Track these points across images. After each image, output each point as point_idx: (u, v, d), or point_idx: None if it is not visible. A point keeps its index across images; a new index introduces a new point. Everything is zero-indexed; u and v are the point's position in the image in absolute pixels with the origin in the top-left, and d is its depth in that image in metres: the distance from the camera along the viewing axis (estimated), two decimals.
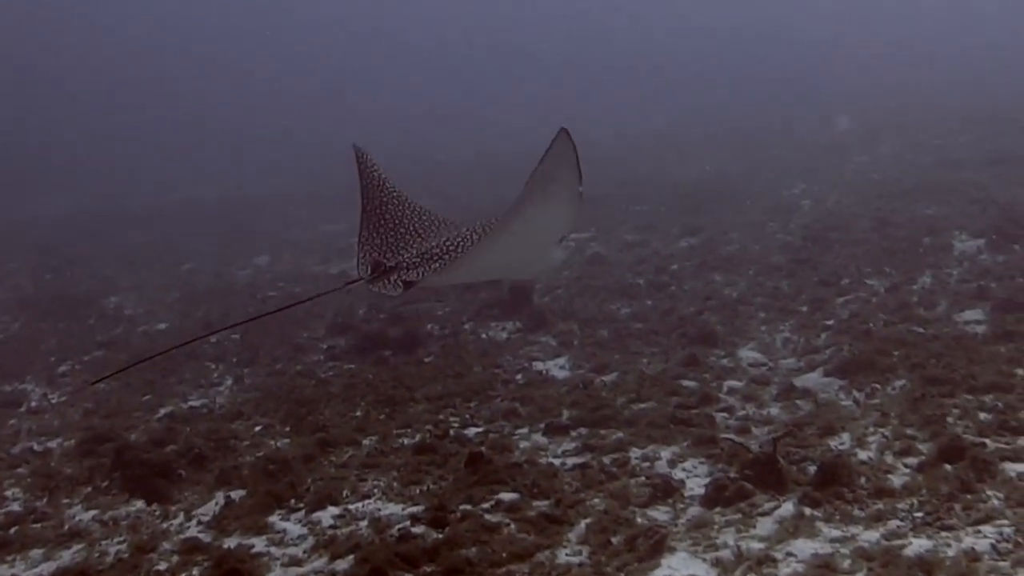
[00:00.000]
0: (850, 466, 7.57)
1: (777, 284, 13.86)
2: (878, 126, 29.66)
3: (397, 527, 7.65)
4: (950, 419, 8.39)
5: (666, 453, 8.57)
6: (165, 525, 8.31)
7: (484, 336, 13.23)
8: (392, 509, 8.04)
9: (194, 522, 8.30)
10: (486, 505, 7.85)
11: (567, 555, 6.92)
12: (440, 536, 7.39)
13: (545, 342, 12.62)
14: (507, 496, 7.94)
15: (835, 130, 24.34)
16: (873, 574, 6.10)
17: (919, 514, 6.85)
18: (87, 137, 48.82)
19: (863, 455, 7.95)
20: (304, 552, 7.51)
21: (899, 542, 6.47)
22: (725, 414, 9.41)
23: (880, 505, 7.07)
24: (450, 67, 68.07)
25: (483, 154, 36.63)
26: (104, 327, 16.57)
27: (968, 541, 6.37)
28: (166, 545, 7.87)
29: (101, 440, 10.41)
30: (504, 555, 6.96)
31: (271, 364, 13.04)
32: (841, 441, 8.31)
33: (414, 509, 7.95)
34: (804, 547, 6.58)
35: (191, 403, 11.80)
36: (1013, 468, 7.32)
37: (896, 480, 7.42)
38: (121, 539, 8.11)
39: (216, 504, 8.54)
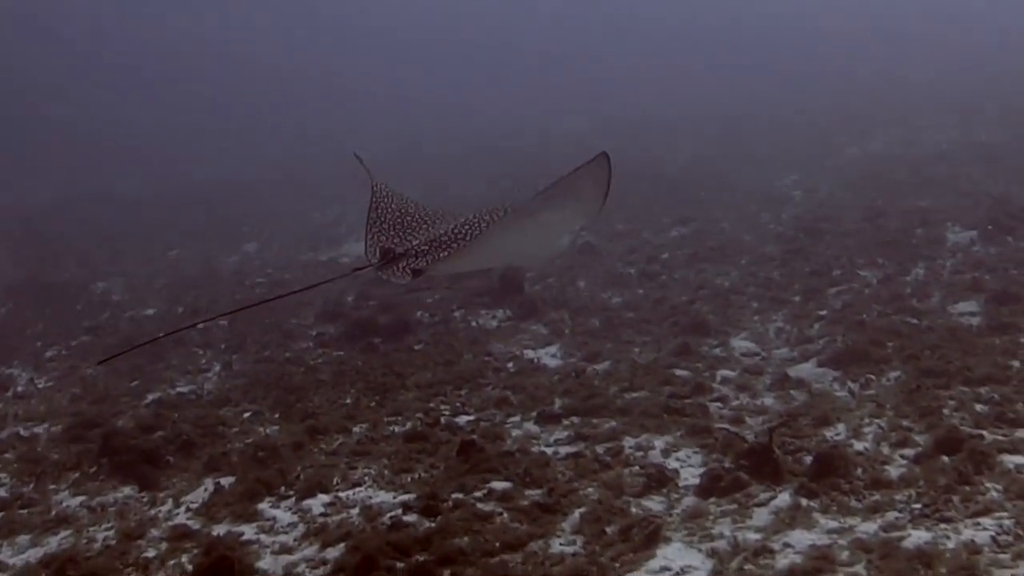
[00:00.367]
0: (846, 457, 7.51)
1: (769, 274, 13.78)
2: (869, 118, 29.57)
3: (388, 515, 7.58)
4: (946, 411, 8.32)
5: (660, 442, 8.49)
6: (153, 512, 8.23)
7: (474, 324, 13.14)
8: (383, 497, 7.96)
9: (183, 509, 8.22)
10: (478, 494, 7.78)
11: (561, 545, 6.86)
12: (432, 525, 7.32)
13: (536, 330, 12.53)
14: (499, 485, 7.87)
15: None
16: (872, 567, 6.03)
17: (917, 506, 6.79)
18: (78, 121, 48.46)
19: (859, 446, 7.88)
20: (294, 540, 7.43)
21: (898, 534, 6.40)
22: (719, 404, 9.33)
23: (877, 496, 7.00)
24: (438, 57, 67.73)
25: (471, 146, 36.51)
26: (91, 312, 16.47)
27: (968, 533, 6.31)
28: (154, 532, 7.79)
29: (88, 426, 10.32)
30: (497, 544, 6.89)
31: (259, 351, 12.94)
32: (837, 432, 8.24)
33: (405, 497, 7.87)
34: (801, 538, 6.52)
35: (179, 389, 11.71)
36: (1011, 460, 7.26)
37: (893, 471, 7.36)
38: (109, 525, 8.03)
39: (205, 491, 8.47)
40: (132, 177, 35.64)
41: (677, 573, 6.30)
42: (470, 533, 7.09)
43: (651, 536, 6.70)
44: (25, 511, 8.52)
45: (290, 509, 7.96)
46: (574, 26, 69.72)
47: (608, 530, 6.94)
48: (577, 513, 7.24)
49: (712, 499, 7.30)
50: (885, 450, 7.76)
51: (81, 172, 37.30)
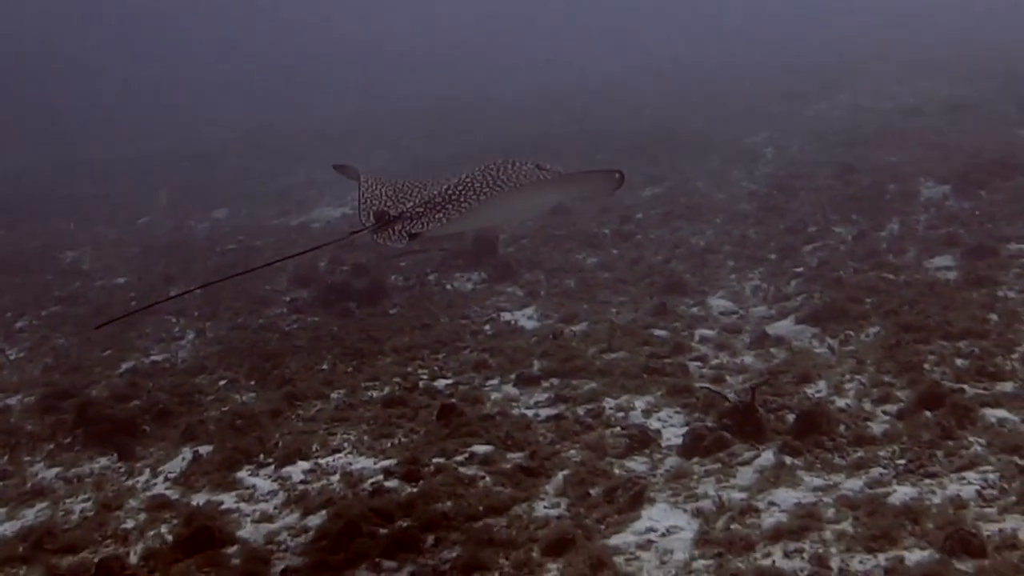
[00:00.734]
0: (829, 414, 7.49)
1: (744, 232, 13.74)
2: (835, 73, 29.56)
3: (370, 481, 7.52)
4: (927, 366, 8.31)
5: (640, 403, 8.45)
6: (131, 482, 8.13)
7: (449, 287, 13.05)
8: (364, 463, 7.90)
9: (161, 479, 8.12)
10: (460, 458, 7.73)
11: (545, 508, 6.81)
12: (414, 490, 7.26)
13: (511, 292, 12.45)
14: (481, 448, 7.82)
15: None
16: (859, 524, 6.00)
17: (901, 462, 6.78)
18: (40, 89, 47.92)
19: (841, 403, 7.86)
20: (275, 508, 7.35)
21: (883, 490, 6.39)
22: (698, 363, 9.29)
23: (861, 453, 6.99)
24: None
25: (443, 98, 36.37)
26: (61, 282, 16.28)
27: (953, 488, 6.30)
28: (132, 503, 7.70)
29: (62, 396, 10.19)
30: (480, 509, 6.83)
31: (233, 318, 12.82)
32: (818, 389, 8.22)
33: (386, 463, 7.81)
34: (786, 496, 6.50)
35: (153, 357, 11.58)
36: (993, 414, 7.26)
37: (876, 428, 7.35)
38: (86, 497, 7.93)
39: (183, 460, 8.36)
40: (95, 145, 35.29)
41: (663, 534, 6.26)
42: (453, 498, 7.03)
43: (636, 497, 6.67)
44: (0, 484, 8.40)
45: (270, 477, 7.88)
46: None
47: (592, 492, 6.90)
48: (560, 476, 7.20)
49: (695, 459, 7.27)
50: (867, 406, 7.75)
51: (44, 140, 36.90)
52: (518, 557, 6.17)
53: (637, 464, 7.33)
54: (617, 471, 7.19)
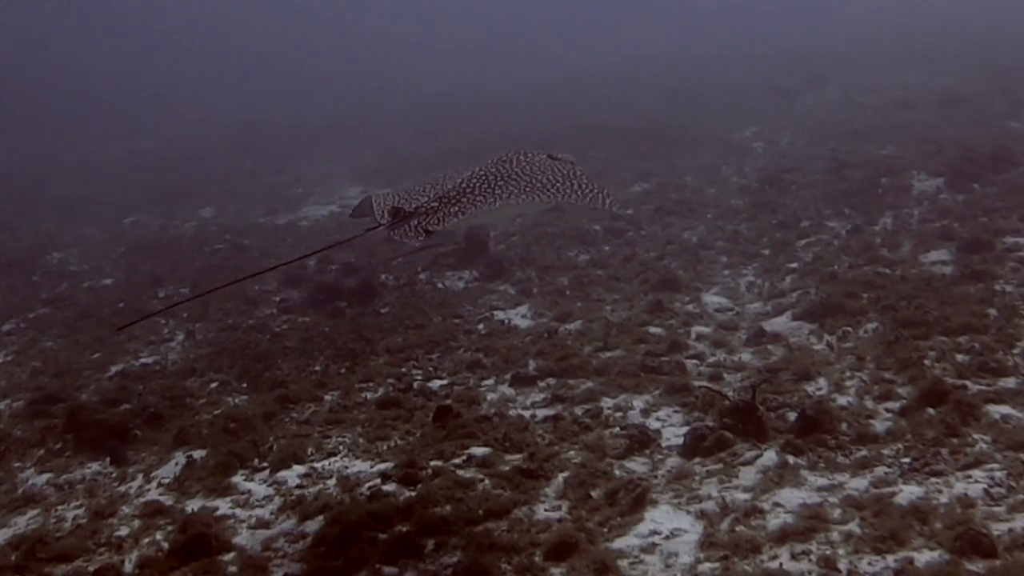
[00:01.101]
0: (831, 412, 7.41)
1: (737, 227, 13.67)
2: (824, 67, 29.52)
3: (367, 485, 7.43)
4: (927, 362, 8.24)
5: (639, 402, 8.37)
6: (123, 488, 8.03)
7: (441, 286, 12.94)
8: (360, 466, 7.80)
9: (154, 484, 8.02)
10: (458, 460, 7.65)
11: (546, 511, 6.73)
12: (412, 494, 7.18)
13: (504, 290, 12.36)
14: (479, 451, 7.74)
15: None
16: (866, 524, 5.92)
17: (906, 460, 6.70)
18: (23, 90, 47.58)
19: (842, 400, 7.79)
20: (271, 513, 7.26)
21: (889, 490, 6.32)
22: (696, 361, 9.21)
23: (865, 452, 6.92)
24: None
25: (432, 94, 36.27)
26: (48, 283, 16.11)
27: (959, 487, 6.22)
28: (126, 509, 7.61)
29: (52, 400, 10.08)
30: (480, 512, 6.75)
31: (223, 319, 12.67)
32: (818, 386, 8.15)
33: (383, 466, 7.72)
34: (791, 497, 6.42)
35: (143, 360, 11.44)
36: (997, 410, 7.19)
37: (879, 425, 7.27)
38: (78, 503, 7.84)
39: (176, 465, 8.26)
40: (82, 144, 35.05)
41: (667, 537, 6.18)
42: (452, 501, 6.94)
43: (638, 499, 6.60)
44: None
45: (265, 482, 7.79)
46: None
47: (593, 494, 6.82)
48: (560, 478, 7.12)
49: (697, 459, 7.19)
50: (869, 404, 7.68)
51: (29, 139, 36.64)
52: (520, 562, 6.09)
53: (637, 465, 7.25)
54: (618, 472, 7.12)
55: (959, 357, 8.24)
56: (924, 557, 5.52)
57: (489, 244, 13.96)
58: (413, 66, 46.77)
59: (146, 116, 40.12)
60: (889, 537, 5.72)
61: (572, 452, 7.55)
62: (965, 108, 20.14)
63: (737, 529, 6.11)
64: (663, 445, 7.51)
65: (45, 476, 8.45)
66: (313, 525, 6.92)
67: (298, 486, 7.62)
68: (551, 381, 9.12)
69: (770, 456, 7.00)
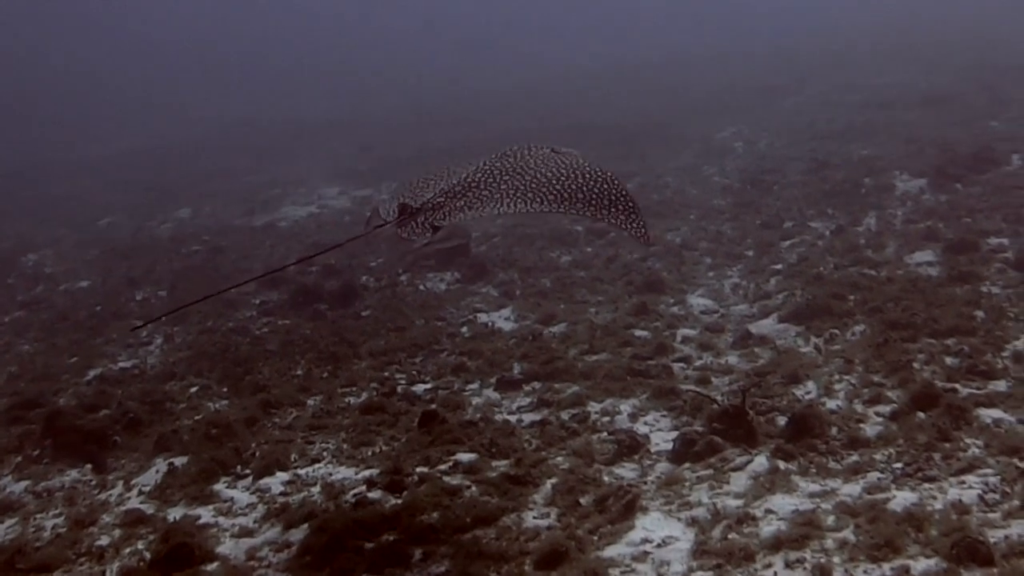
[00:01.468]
0: (821, 416, 7.33)
1: (720, 228, 13.61)
2: (804, 67, 29.56)
3: (352, 492, 7.32)
4: (916, 364, 8.19)
5: (626, 406, 8.29)
6: (103, 496, 7.90)
7: (422, 288, 12.84)
8: (345, 473, 7.69)
9: (134, 492, 7.89)
10: (444, 467, 7.54)
11: (535, 518, 6.63)
12: (398, 501, 7.06)
13: (486, 292, 12.28)
14: (465, 456, 7.63)
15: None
16: (861, 531, 5.84)
17: (898, 465, 6.63)
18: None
19: (832, 404, 7.73)
20: (255, 522, 7.14)
21: (882, 496, 6.23)
22: (682, 364, 9.14)
23: (856, 457, 6.85)
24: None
25: (420, 93, 36.18)
26: (24, 286, 15.95)
27: (953, 493, 6.15)
28: (106, 518, 7.47)
29: (29, 406, 9.93)
30: (468, 520, 6.64)
31: (202, 321, 12.52)
32: (807, 390, 8.08)
33: (368, 472, 7.61)
34: (783, 503, 6.33)
35: (121, 364, 11.31)
36: (988, 414, 7.15)
37: (869, 430, 7.20)
38: (57, 512, 7.70)
39: (157, 472, 8.12)
40: (61, 144, 34.78)
41: (659, 545, 6.08)
42: (439, 509, 6.83)
43: (628, 506, 6.49)
44: None
45: (248, 489, 7.66)
46: None
47: (583, 501, 6.72)
48: (549, 484, 7.02)
49: (687, 465, 7.10)
50: (859, 408, 7.61)
51: (7, 139, 36.33)
52: (510, 571, 5.99)
53: (626, 471, 7.16)
54: (607, 478, 7.02)
55: (948, 360, 8.19)
56: (920, 565, 5.44)
57: (471, 245, 13.84)
58: (408, 65, 46.67)
59: (137, 115, 39.90)
60: (885, 545, 5.64)
61: (560, 458, 7.45)
62: (947, 108, 20.15)
63: (730, 537, 6.02)
64: (652, 450, 7.42)
65: (23, 484, 8.31)
66: (298, 534, 6.80)
67: (282, 493, 7.50)
68: (536, 385, 9.03)
69: (761, 461, 6.91)
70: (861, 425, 7.29)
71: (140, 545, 6.93)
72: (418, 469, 7.50)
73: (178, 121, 37.77)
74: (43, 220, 21.72)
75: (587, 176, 6.47)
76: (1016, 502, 5.93)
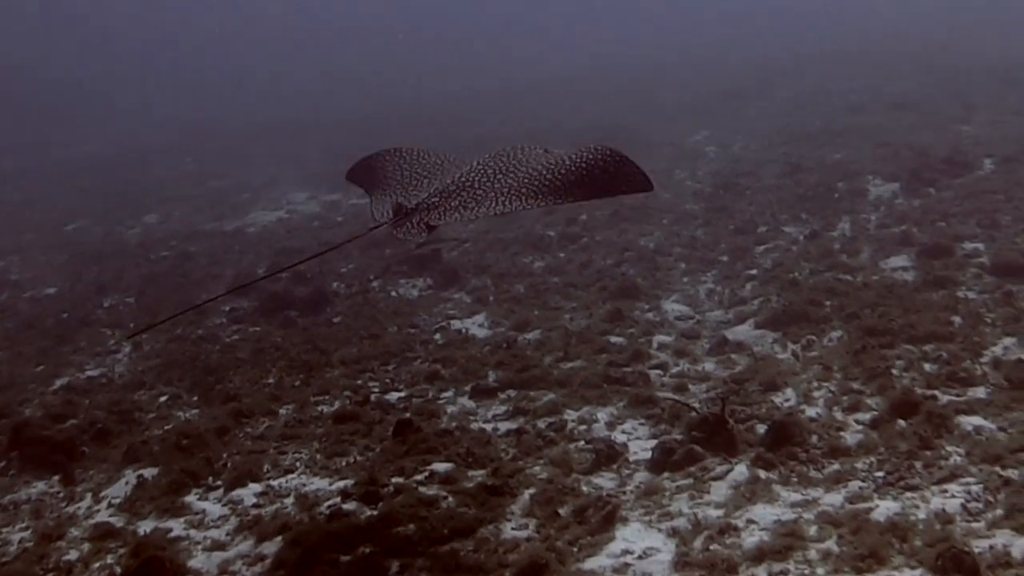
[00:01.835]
0: (801, 424, 7.27)
1: (693, 233, 13.54)
2: (773, 71, 29.62)
3: (326, 504, 7.19)
4: (895, 371, 8.14)
5: (603, 415, 8.19)
6: (72, 509, 7.72)
7: (394, 294, 12.70)
8: (318, 484, 7.56)
9: (104, 504, 7.71)
10: (419, 477, 7.42)
11: (513, 530, 6.52)
12: (374, 513, 6.95)
13: (459, 299, 12.15)
14: (441, 466, 7.52)
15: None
16: (844, 542, 5.77)
17: (880, 474, 6.58)
18: None
19: (811, 412, 7.66)
20: (227, 535, 6.99)
21: (865, 505, 6.17)
22: (659, 371, 9.04)
23: (837, 465, 6.78)
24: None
25: (385, 97, 35.98)
26: None
27: (936, 502, 6.10)
28: (75, 531, 7.30)
29: None
30: (445, 531, 6.53)
31: (171, 329, 12.30)
32: (786, 397, 8.02)
33: (342, 483, 7.48)
34: (765, 513, 6.26)
35: (88, 373, 11.10)
36: (969, 421, 7.10)
37: (850, 438, 7.13)
38: (24, 526, 7.51)
39: (126, 484, 7.94)
40: (22, 149, 34.41)
41: (640, 556, 5.99)
42: (416, 520, 6.72)
43: (608, 517, 6.39)
44: None
45: (220, 501, 7.51)
46: None
47: (561, 512, 6.62)
48: (527, 494, 6.91)
49: (666, 474, 7.01)
50: (839, 415, 7.55)
51: None
52: None
53: (605, 480, 7.07)
54: (585, 488, 6.93)
55: (927, 366, 8.15)
56: None
57: (443, 250, 13.74)
58: (372, 66, 46.48)
59: (86, 120, 39.50)
60: (869, 555, 5.58)
61: (537, 467, 7.35)
62: (917, 112, 20.22)
63: (711, 548, 5.94)
64: (631, 459, 7.32)
65: None
66: (271, 547, 6.67)
67: (254, 505, 7.36)
68: (512, 393, 8.92)
69: (741, 470, 6.84)
70: (841, 433, 7.23)
71: (110, 559, 6.77)
72: (393, 479, 7.38)
73: (126, 125, 37.44)
74: (9, 227, 21.45)
75: (576, 156, 6.42)
76: (1000, 511, 5.88)
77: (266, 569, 6.42)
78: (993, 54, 26.69)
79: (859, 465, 6.73)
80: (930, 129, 18.09)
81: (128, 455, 8.44)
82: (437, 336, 10.81)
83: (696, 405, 7.88)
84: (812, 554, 5.72)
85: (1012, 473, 6.29)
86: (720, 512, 6.35)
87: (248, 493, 7.54)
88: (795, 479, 6.68)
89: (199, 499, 7.58)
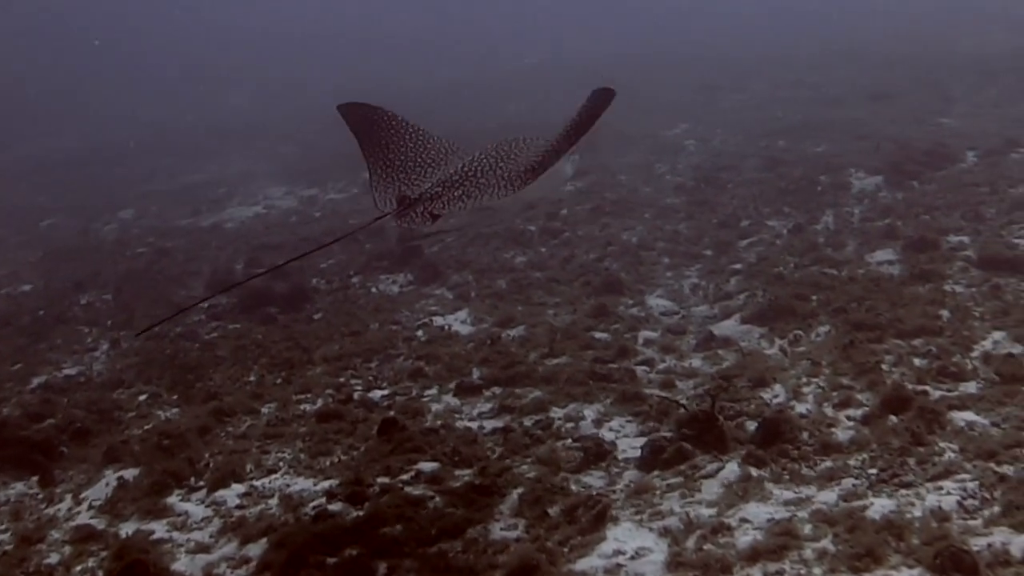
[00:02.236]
0: (791, 421, 7.18)
1: (676, 227, 13.44)
2: (749, 64, 29.57)
3: (311, 505, 7.08)
4: (885, 366, 8.06)
5: (590, 412, 8.10)
6: (51, 510, 7.61)
7: (375, 290, 12.58)
8: (303, 484, 7.45)
9: (84, 506, 7.59)
10: (405, 476, 7.33)
11: (502, 530, 6.42)
12: (360, 513, 6.84)
13: (441, 295, 12.04)
14: (427, 466, 7.42)
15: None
16: (840, 540, 5.68)
17: (873, 471, 6.49)
18: None
19: (801, 408, 7.57)
20: (211, 536, 6.89)
21: (859, 503, 6.08)
22: (645, 367, 8.96)
23: (829, 462, 6.70)
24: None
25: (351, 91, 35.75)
26: None
27: (932, 499, 6.01)
28: (55, 534, 7.19)
29: None
30: (433, 532, 6.43)
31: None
32: (775, 394, 7.93)
33: (327, 483, 7.38)
34: (758, 512, 6.16)
35: (66, 371, 10.98)
36: (962, 417, 7.02)
37: (841, 434, 7.05)
38: (3, 528, 7.42)
39: (107, 485, 7.81)
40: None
41: (632, 557, 5.89)
42: (403, 521, 6.61)
43: (599, 516, 6.30)
44: None
45: (202, 502, 7.40)
46: None
47: (551, 511, 6.52)
48: (515, 494, 6.80)
49: (656, 472, 6.91)
50: (829, 411, 7.47)
51: None
52: None
53: (594, 479, 6.98)
54: (574, 487, 6.83)
55: (917, 361, 8.08)
56: (903, 575, 5.29)
57: (424, 245, 13.62)
58: (338, 62, 46.14)
59: (59, 115, 39.10)
60: (865, 554, 5.48)
61: (525, 466, 7.25)
62: (897, 105, 20.18)
63: (705, 548, 5.84)
64: (619, 457, 7.23)
65: None
66: (256, 549, 6.55)
67: (238, 506, 7.25)
68: (497, 390, 8.82)
69: (732, 468, 6.74)
70: (833, 430, 7.14)
71: (92, 563, 6.66)
72: (379, 479, 7.28)
73: (95, 122, 37.08)
74: None
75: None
76: (997, 508, 5.79)
77: (251, 572, 6.31)
78: (969, 48, 26.76)
79: (852, 462, 6.64)
80: (909, 122, 18.09)
81: (108, 455, 8.33)
82: (420, 333, 10.69)
83: (684, 402, 7.79)
84: (808, 553, 5.63)
85: (1007, 469, 6.21)
86: (712, 511, 6.26)
87: (231, 494, 7.42)
88: (787, 477, 6.59)
89: (182, 500, 7.47)
